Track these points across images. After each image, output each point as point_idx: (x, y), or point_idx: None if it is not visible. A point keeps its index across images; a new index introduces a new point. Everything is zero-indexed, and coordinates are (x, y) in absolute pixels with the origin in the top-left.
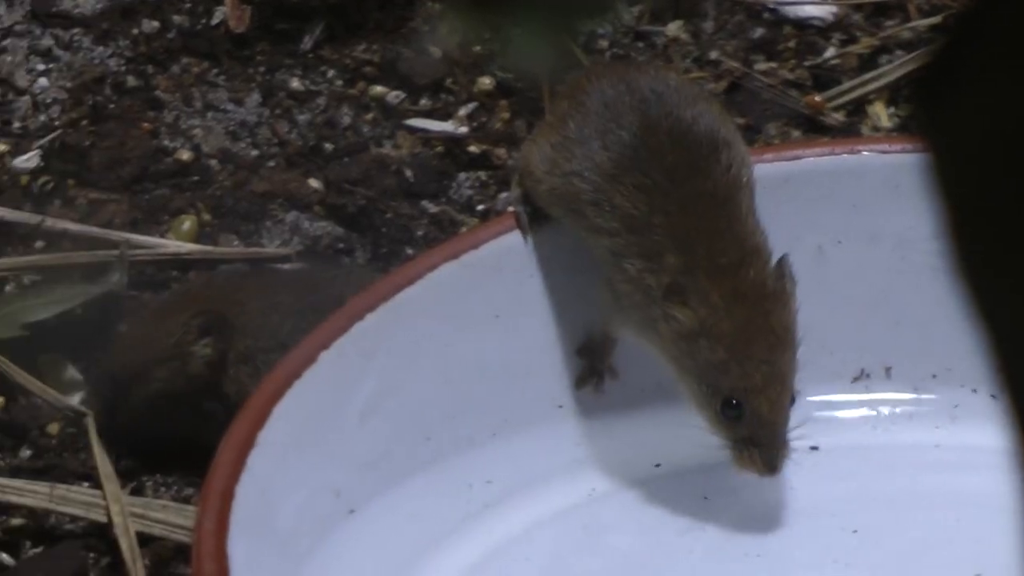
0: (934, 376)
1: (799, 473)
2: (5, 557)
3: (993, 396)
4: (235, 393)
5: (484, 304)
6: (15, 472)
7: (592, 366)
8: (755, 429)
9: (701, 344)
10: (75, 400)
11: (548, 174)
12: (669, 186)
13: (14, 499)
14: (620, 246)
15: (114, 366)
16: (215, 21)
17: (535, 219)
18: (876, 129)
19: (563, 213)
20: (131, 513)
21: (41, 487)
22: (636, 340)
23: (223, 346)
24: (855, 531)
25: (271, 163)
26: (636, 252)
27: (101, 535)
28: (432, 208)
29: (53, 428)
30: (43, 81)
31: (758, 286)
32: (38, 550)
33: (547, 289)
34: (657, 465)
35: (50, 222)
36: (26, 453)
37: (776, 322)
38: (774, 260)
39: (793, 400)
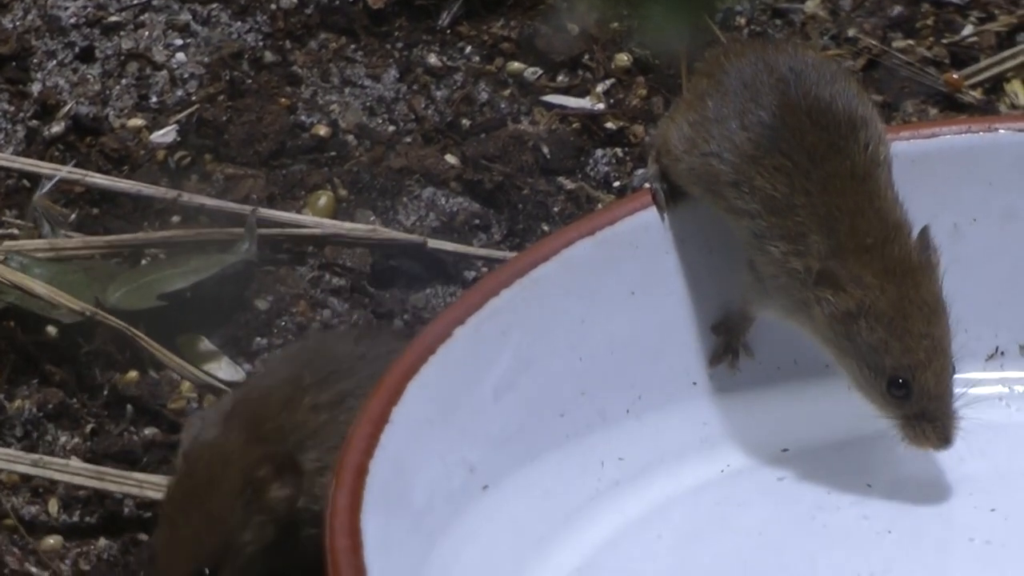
0: None
1: (933, 453)
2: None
3: None
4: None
5: (619, 281)
6: (148, 447)
7: (727, 343)
8: (924, 404)
9: (860, 326)
10: (208, 369)
11: (687, 153)
12: (809, 166)
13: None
14: (762, 228)
15: (188, 552)
16: None
17: (672, 196)
18: (1014, 107)
19: (702, 193)
20: None
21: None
22: (783, 322)
23: (296, 480)
24: (992, 509)
25: (408, 139)
26: (779, 234)
27: None
28: (568, 184)
29: (179, 404)
30: (180, 56)
31: (905, 261)
32: None
33: (683, 266)
34: (784, 450)
35: (186, 197)
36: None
37: (927, 294)
38: (914, 234)
39: (954, 370)
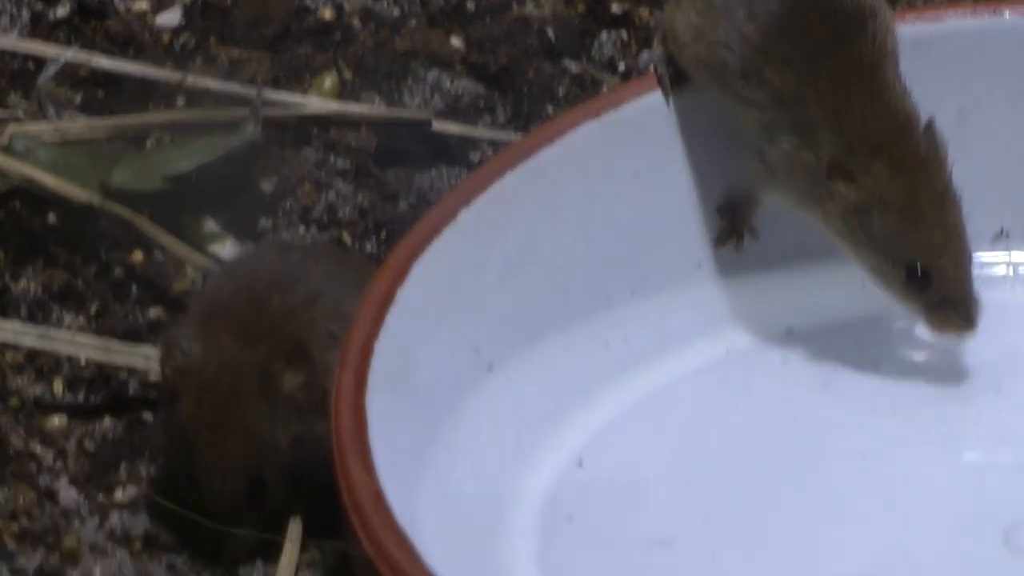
0: None
1: None
2: (147, 415)
3: None
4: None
5: (625, 163)
6: (153, 327)
7: (732, 226)
8: (944, 290)
9: (874, 217)
10: (213, 251)
11: (694, 41)
12: (818, 58)
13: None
14: (771, 120)
15: (227, 463)
16: None
17: (677, 80)
18: None
19: (709, 81)
20: None
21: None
22: (793, 213)
23: (308, 364)
24: (998, 389)
25: (413, 22)
26: (789, 127)
27: None
28: (573, 67)
29: (183, 285)
30: None
31: (915, 153)
32: None
33: (688, 149)
34: (790, 331)
35: (191, 79)
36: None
37: (939, 184)
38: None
39: (971, 256)
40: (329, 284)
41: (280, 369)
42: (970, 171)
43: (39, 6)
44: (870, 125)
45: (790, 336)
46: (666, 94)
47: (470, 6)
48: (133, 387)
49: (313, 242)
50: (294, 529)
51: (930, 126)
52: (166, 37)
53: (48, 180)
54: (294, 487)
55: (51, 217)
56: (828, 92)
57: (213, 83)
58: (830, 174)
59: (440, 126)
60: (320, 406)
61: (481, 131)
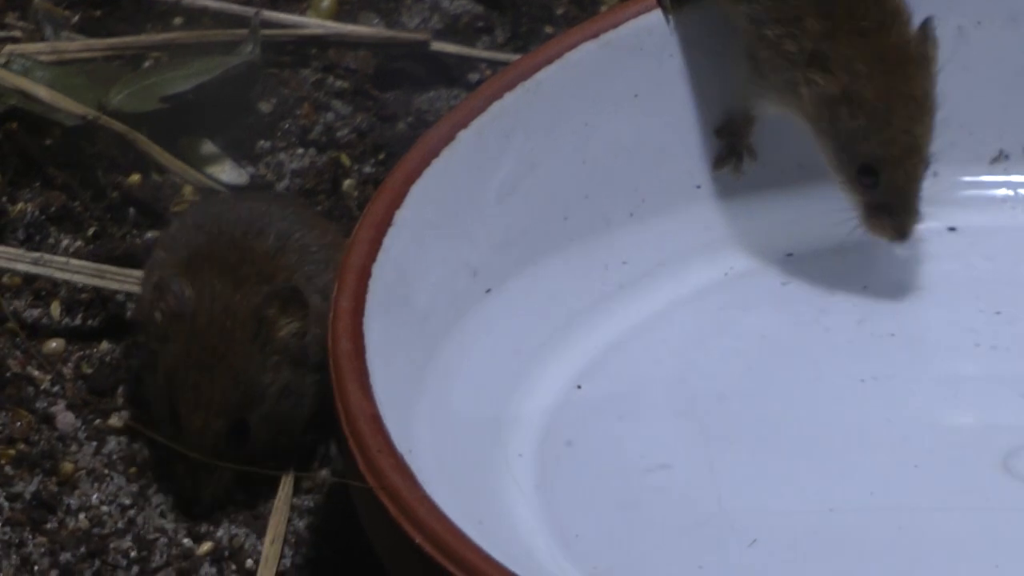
0: None
1: (938, 253)
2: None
3: None
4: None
5: (623, 84)
6: (149, 249)
7: (731, 146)
8: (889, 197)
9: (843, 111)
10: (212, 172)
11: None
12: None
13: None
14: (759, 12)
15: (211, 403)
16: None
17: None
18: None
19: None
20: None
21: None
22: (776, 107)
23: (302, 312)
24: (998, 312)
25: None
26: (775, 17)
27: None
28: None
29: (181, 208)
30: None
31: (901, 50)
32: None
33: (687, 69)
34: (789, 254)
35: (189, 2)
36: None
37: (917, 88)
38: (914, 24)
39: (927, 166)
40: (293, 227)
41: (275, 315)
42: (968, 93)
43: None
44: (856, 15)
45: (789, 259)
46: (666, 12)
47: None
48: (130, 310)
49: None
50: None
51: (926, 24)
52: None
53: (45, 95)
54: (281, 434)
55: (49, 137)
56: None
57: (211, 3)
58: (810, 62)
59: (438, 46)
60: (309, 354)
61: (479, 51)
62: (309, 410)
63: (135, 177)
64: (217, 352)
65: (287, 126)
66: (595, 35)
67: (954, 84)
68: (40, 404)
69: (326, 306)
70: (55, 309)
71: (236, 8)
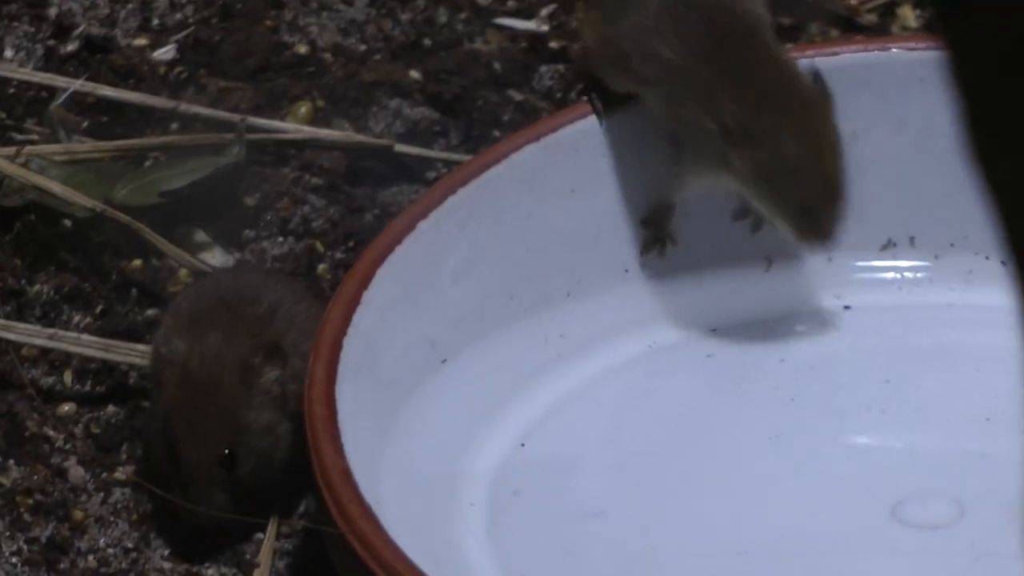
0: (952, 244)
1: (836, 329)
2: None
3: (1002, 263)
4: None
5: (561, 180)
6: (151, 325)
7: (655, 234)
8: (829, 225)
9: (776, 172)
10: (203, 258)
11: (604, 44)
12: (702, 30)
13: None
14: (673, 93)
15: (205, 438)
16: None
17: (607, 105)
18: (904, 29)
19: (620, 77)
20: None
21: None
22: (701, 182)
23: (283, 361)
24: (887, 381)
25: (377, 56)
26: (689, 96)
27: None
28: (517, 96)
29: (177, 288)
30: None
31: (811, 105)
32: None
33: (617, 167)
34: (713, 330)
35: (184, 107)
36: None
37: (831, 131)
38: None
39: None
40: (284, 298)
41: (259, 362)
42: (861, 189)
43: (51, 42)
44: (761, 83)
45: (708, 334)
46: (600, 117)
47: (427, 42)
48: (133, 379)
49: (261, 263)
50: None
51: (818, 80)
52: (162, 69)
53: (59, 190)
54: (261, 469)
55: (62, 227)
56: (717, 58)
57: (203, 110)
58: (733, 140)
59: (401, 148)
60: (287, 404)
61: (437, 152)
62: (285, 452)
63: (137, 262)
64: (208, 393)
65: (269, 217)
66: (537, 138)
67: (851, 181)
68: (54, 460)
69: (306, 368)
70: (67, 377)
71: (225, 115)
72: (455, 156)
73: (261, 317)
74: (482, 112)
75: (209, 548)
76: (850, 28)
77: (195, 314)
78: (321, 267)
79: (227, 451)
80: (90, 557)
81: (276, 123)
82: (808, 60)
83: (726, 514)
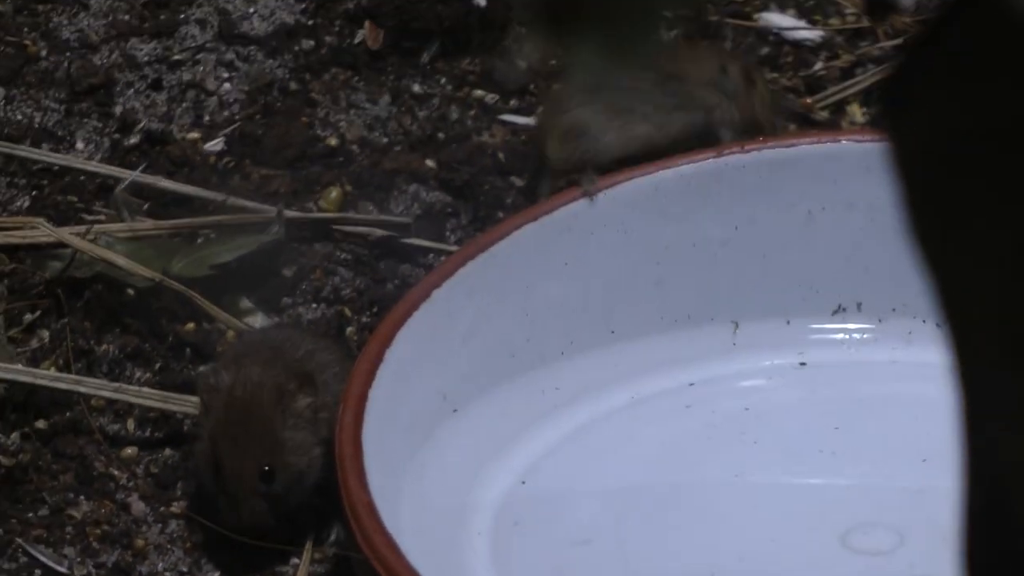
0: (894, 310)
1: (793, 383)
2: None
3: (937, 325)
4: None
5: (556, 255)
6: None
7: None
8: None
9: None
10: (248, 321)
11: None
12: None
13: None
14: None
15: (244, 456)
16: (357, 40)
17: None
18: (853, 124)
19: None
20: None
21: None
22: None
23: (313, 391)
24: (837, 428)
25: (397, 148)
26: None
27: None
28: (518, 182)
29: (226, 347)
30: (227, 86)
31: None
32: None
33: (604, 243)
34: (691, 384)
35: (230, 196)
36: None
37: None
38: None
39: None
40: (319, 348)
41: (294, 389)
42: (815, 263)
43: (116, 136)
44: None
45: (684, 388)
46: (589, 197)
47: (440, 136)
48: (187, 426)
49: (298, 324)
50: (308, 537)
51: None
52: (212, 159)
53: (123, 263)
54: (296, 484)
55: (126, 295)
56: None
57: (248, 203)
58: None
59: (416, 235)
60: (318, 429)
61: (448, 235)
62: (317, 472)
63: (191, 325)
64: (249, 413)
65: (304, 287)
66: (535, 218)
67: (805, 254)
68: (119, 496)
69: (336, 409)
70: (130, 425)
71: (266, 200)
72: (462, 240)
73: (299, 358)
74: (488, 196)
75: (251, 571)
76: (806, 123)
77: (240, 354)
78: (349, 330)
79: (266, 467)
80: None
81: (310, 206)
82: (771, 151)
83: (696, 541)
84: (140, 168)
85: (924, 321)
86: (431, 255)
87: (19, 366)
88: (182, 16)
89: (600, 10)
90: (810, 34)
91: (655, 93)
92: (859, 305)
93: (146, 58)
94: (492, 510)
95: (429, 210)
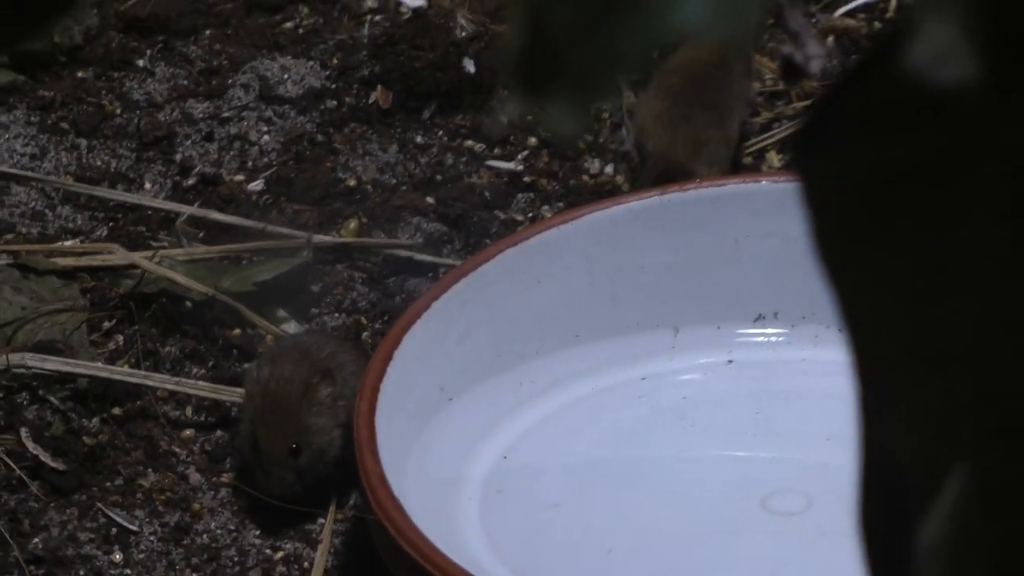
0: (804, 317)
1: (722, 378)
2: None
3: (839, 331)
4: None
5: (532, 274)
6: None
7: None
8: None
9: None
10: (284, 328)
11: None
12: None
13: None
14: None
15: (276, 435)
16: (371, 101)
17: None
18: (771, 167)
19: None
20: None
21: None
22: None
23: (333, 384)
24: (757, 412)
25: (404, 187)
26: None
27: None
28: (501, 215)
29: (263, 347)
30: (266, 137)
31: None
32: None
33: (571, 264)
34: (643, 378)
35: (270, 224)
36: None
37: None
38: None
39: None
40: (340, 350)
41: (317, 382)
42: (740, 281)
43: (177, 178)
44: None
45: (637, 381)
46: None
47: (438, 177)
48: (234, 412)
49: (324, 330)
50: (332, 502)
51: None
52: (254, 197)
53: (182, 281)
54: (319, 460)
55: (184, 307)
56: None
57: (284, 229)
58: None
59: (421, 252)
60: (338, 414)
61: (444, 257)
62: (337, 450)
63: (237, 331)
64: (280, 403)
65: (328, 300)
66: (515, 244)
67: (732, 275)
68: (179, 468)
69: (353, 400)
70: (188, 411)
71: (298, 229)
72: (458, 258)
73: (323, 358)
74: (477, 226)
75: (285, 528)
76: (734, 167)
77: (276, 355)
78: (365, 334)
79: (294, 445)
80: (204, 536)
81: (333, 234)
82: (705, 190)
83: (645, 505)
84: (196, 204)
85: (829, 327)
86: (431, 273)
87: (99, 364)
88: (230, 81)
89: (568, 77)
90: None
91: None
92: (776, 314)
93: (201, 115)
94: (480, 480)
95: (429, 237)
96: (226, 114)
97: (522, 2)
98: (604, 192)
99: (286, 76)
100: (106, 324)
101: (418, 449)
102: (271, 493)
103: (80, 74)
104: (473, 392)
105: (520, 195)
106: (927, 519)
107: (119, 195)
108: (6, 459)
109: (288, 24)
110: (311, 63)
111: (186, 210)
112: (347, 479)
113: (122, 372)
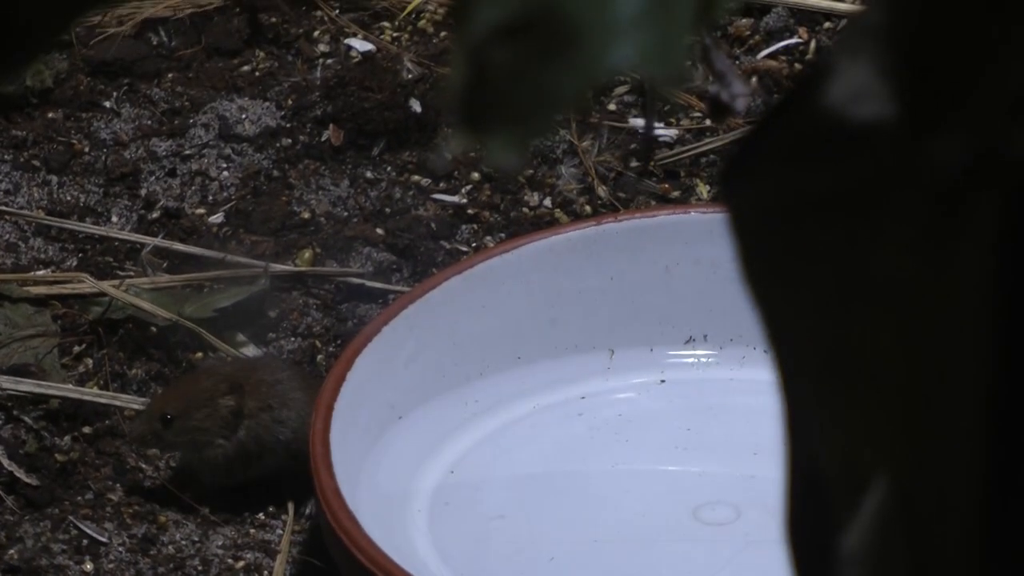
0: (731, 339)
1: (655, 396)
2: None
3: (765, 351)
4: (249, 439)
5: (476, 300)
6: None
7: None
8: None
9: None
10: (243, 351)
11: None
12: None
13: None
14: None
15: (167, 406)
16: (323, 139)
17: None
18: (700, 199)
19: None
20: None
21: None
22: None
23: (239, 403)
24: (688, 429)
25: (355, 219)
26: None
27: None
28: (447, 245)
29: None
30: (225, 173)
31: None
32: None
33: (512, 292)
34: (582, 397)
35: (229, 257)
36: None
37: None
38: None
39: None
40: (280, 371)
41: (225, 389)
42: (671, 304)
43: (142, 212)
44: None
45: (577, 399)
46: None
47: (387, 210)
48: None
49: (281, 353)
50: (290, 509)
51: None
52: (214, 228)
53: (148, 307)
54: (189, 448)
55: (150, 332)
56: None
57: (243, 259)
58: None
59: (371, 279)
60: (227, 427)
61: (393, 285)
62: (211, 451)
63: (199, 354)
64: (186, 386)
65: (285, 325)
66: (460, 271)
67: (663, 299)
68: (146, 483)
69: (297, 420)
70: None
71: (255, 258)
72: (406, 286)
73: (253, 379)
74: (424, 255)
75: (246, 539)
76: (664, 200)
77: (227, 365)
78: (319, 357)
79: (169, 415)
80: (170, 546)
81: (289, 263)
82: (637, 221)
83: (584, 516)
84: (160, 236)
85: (755, 348)
86: (381, 300)
87: (70, 386)
88: (191, 121)
89: (507, 115)
90: (667, 132)
91: None
92: (705, 336)
93: (164, 153)
94: (428, 494)
95: (379, 266)
96: (188, 152)
97: (464, 46)
98: (543, 223)
99: (244, 116)
100: (76, 348)
101: (370, 464)
102: (129, 435)
103: (51, 115)
104: (422, 411)
105: (464, 226)
106: (850, 526)
107: (88, 228)
108: None
109: (245, 68)
110: (267, 104)
111: (151, 241)
112: (304, 490)
113: (92, 393)
